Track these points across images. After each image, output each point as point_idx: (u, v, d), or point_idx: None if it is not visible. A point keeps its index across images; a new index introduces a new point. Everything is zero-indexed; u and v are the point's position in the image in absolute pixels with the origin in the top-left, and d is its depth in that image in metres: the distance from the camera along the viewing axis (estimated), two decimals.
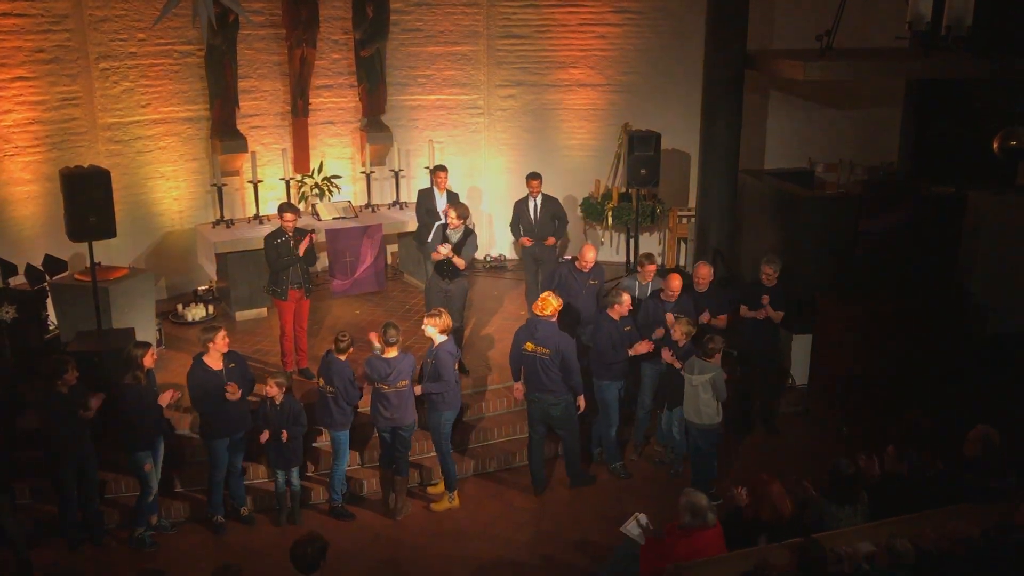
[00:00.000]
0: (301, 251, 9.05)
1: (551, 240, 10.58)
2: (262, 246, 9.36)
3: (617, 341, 8.46)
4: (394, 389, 7.79)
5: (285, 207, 9.22)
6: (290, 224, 9.06)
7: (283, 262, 9.04)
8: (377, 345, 7.88)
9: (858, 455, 6.79)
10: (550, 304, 8.10)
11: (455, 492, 8.34)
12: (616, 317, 8.45)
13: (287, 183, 11.51)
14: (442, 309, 8.15)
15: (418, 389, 7.98)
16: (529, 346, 8.13)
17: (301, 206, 11.83)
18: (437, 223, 9.42)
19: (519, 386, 8.39)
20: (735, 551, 5.95)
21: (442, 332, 7.95)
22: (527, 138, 12.74)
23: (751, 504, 6.40)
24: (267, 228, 10.33)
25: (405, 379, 7.85)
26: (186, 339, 10.10)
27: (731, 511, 6.46)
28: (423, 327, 8.04)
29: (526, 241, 10.57)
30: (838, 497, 6.34)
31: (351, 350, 7.95)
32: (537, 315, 8.13)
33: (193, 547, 7.76)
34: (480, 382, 9.49)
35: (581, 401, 8.32)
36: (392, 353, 7.81)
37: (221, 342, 7.63)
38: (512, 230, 10.83)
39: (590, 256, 9.04)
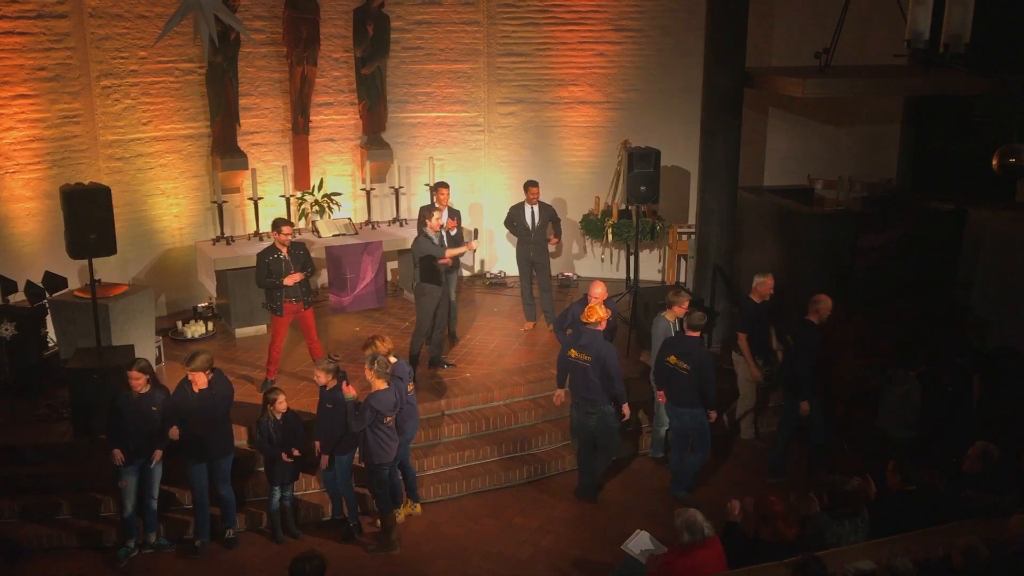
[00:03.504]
0: (289, 282, 8.99)
1: (555, 240, 10.98)
2: None
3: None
4: (393, 416, 7.66)
5: (283, 221, 9.16)
6: (287, 238, 9.04)
7: (269, 282, 9.01)
8: (351, 395, 7.71)
9: (854, 477, 6.76)
10: (596, 312, 8.23)
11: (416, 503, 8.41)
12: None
13: (287, 200, 11.55)
14: (389, 361, 7.74)
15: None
16: (573, 352, 8.31)
17: (301, 223, 11.88)
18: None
19: (560, 393, 8.67)
20: (735, 570, 5.94)
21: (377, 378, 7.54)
22: (527, 155, 12.77)
23: (755, 524, 6.37)
24: (267, 245, 10.31)
25: None
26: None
27: (730, 528, 6.43)
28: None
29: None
30: (838, 513, 6.31)
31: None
32: (584, 323, 8.27)
33: (193, 563, 7.72)
34: (479, 398, 9.49)
35: (626, 409, 8.40)
36: (383, 384, 7.56)
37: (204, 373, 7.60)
38: (508, 227, 11.22)
39: (598, 292, 8.85)
